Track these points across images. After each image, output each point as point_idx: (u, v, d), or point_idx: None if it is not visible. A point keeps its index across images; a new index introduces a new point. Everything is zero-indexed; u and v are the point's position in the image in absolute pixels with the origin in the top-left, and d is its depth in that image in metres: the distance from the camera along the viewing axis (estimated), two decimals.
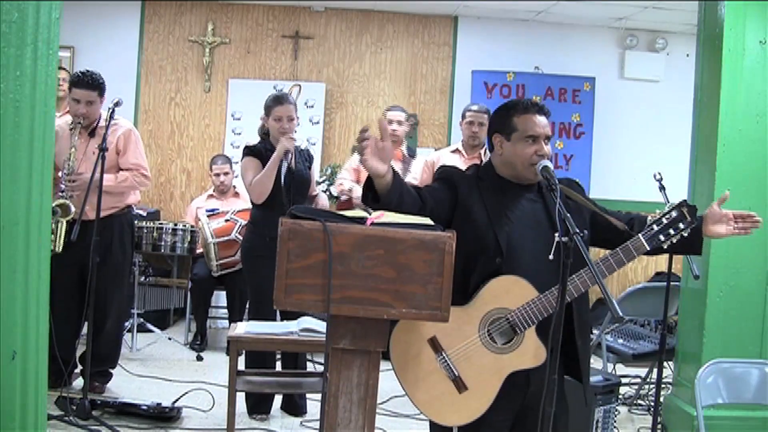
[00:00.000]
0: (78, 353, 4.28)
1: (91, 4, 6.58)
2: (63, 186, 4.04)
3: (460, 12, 6.79)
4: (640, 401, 4.67)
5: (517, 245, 2.34)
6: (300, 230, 2.05)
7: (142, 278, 5.81)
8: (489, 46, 6.87)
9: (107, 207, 4.11)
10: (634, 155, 6.83)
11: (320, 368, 3.97)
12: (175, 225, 5.52)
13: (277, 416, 4.18)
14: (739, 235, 2.46)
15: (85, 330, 3.98)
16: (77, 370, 4.35)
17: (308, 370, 4.27)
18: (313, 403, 4.20)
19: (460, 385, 2.27)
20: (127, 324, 5.10)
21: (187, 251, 5.55)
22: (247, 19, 6.85)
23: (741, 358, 3.46)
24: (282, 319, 3.96)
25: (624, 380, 4.82)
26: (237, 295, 5.56)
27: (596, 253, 2.48)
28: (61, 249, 3.95)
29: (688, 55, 6.73)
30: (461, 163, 4.64)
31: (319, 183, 6.06)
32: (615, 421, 3.79)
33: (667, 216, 2.35)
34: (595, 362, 5.19)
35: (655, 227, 2.34)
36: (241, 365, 3.82)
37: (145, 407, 3.92)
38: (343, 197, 5.24)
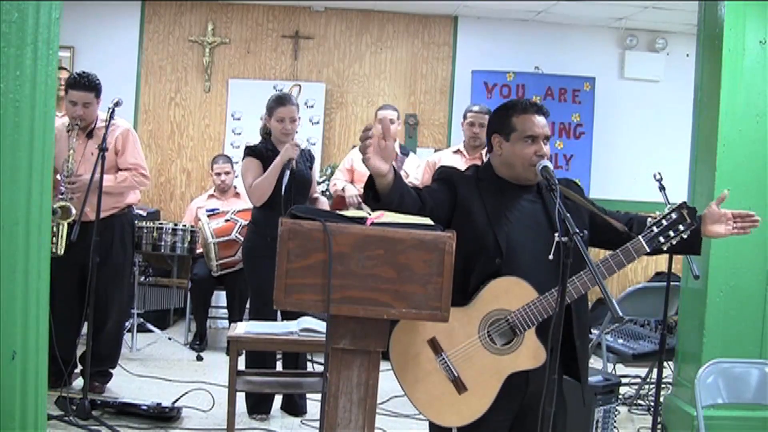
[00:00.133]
0: (78, 353, 4.28)
1: (91, 4, 6.58)
2: (62, 188, 4.03)
3: (460, 12, 6.79)
4: (640, 401, 4.67)
5: (517, 246, 2.34)
6: (300, 230, 2.05)
7: (142, 278, 5.81)
8: (489, 46, 6.87)
9: (107, 207, 4.11)
10: (634, 155, 6.83)
11: (320, 368, 3.97)
12: (175, 225, 5.52)
13: (277, 416, 4.18)
14: (738, 234, 2.46)
15: (85, 330, 3.98)
16: (77, 370, 4.35)
17: (308, 370, 4.27)
18: (313, 403, 4.21)
19: (459, 385, 2.27)
20: (127, 324, 5.10)
21: (187, 251, 5.55)
22: (247, 19, 6.85)
23: (741, 358, 3.46)
24: (282, 319, 3.96)
25: (624, 380, 4.82)
26: (237, 295, 5.56)
27: (595, 254, 2.48)
28: (62, 251, 3.95)
29: (688, 55, 6.72)
30: (463, 163, 4.64)
31: (319, 183, 6.06)
32: (615, 421, 3.79)
33: (666, 218, 2.35)
34: (595, 362, 5.19)
35: (655, 229, 2.34)
36: (241, 365, 3.83)
37: (145, 407, 3.92)
38: (336, 195, 5.28)
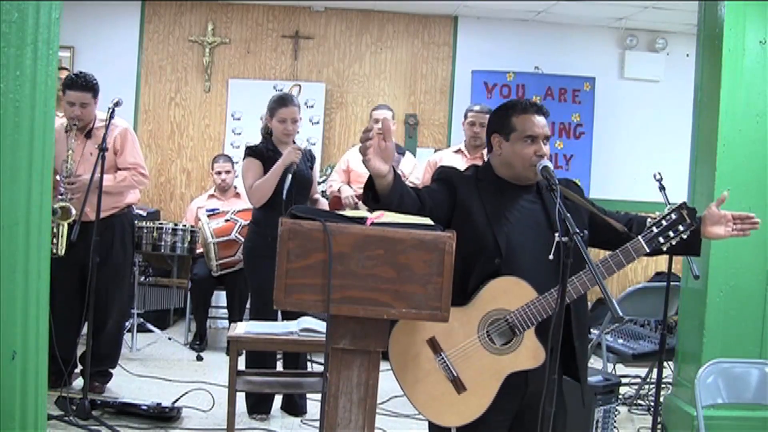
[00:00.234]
0: (78, 353, 4.28)
1: (91, 4, 6.58)
2: (62, 189, 4.03)
3: (460, 12, 6.79)
4: (640, 401, 4.67)
5: (516, 246, 2.34)
6: (300, 230, 2.05)
7: (142, 278, 5.81)
8: (489, 46, 6.87)
9: (107, 207, 4.11)
10: (634, 155, 6.83)
11: (320, 368, 3.97)
12: (175, 225, 5.53)
13: (277, 416, 4.18)
14: (738, 236, 2.46)
15: (85, 330, 3.98)
16: (77, 370, 4.35)
17: (308, 370, 4.27)
18: (313, 403, 4.21)
19: (458, 385, 2.27)
20: (127, 324, 5.10)
21: (187, 251, 5.56)
22: (247, 19, 6.85)
23: (741, 358, 3.46)
24: (283, 319, 3.96)
25: (624, 380, 4.82)
26: (237, 295, 5.56)
27: (595, 254, 2.48)
28: (63, 252, 3.95)
29: (688, 55, 6.72)
30: (464, 163, 4.64)
31: (319, 183, 6.06)
32: (615, 421, 3.79)
33: (666, 218, 2.35)
34: (595, 362, 5.20)
35: (655, 229, 2.34)
36: (241, 365, 3.83)
37: (145, 407, 3.92)
38: (332, 196, 5.28)
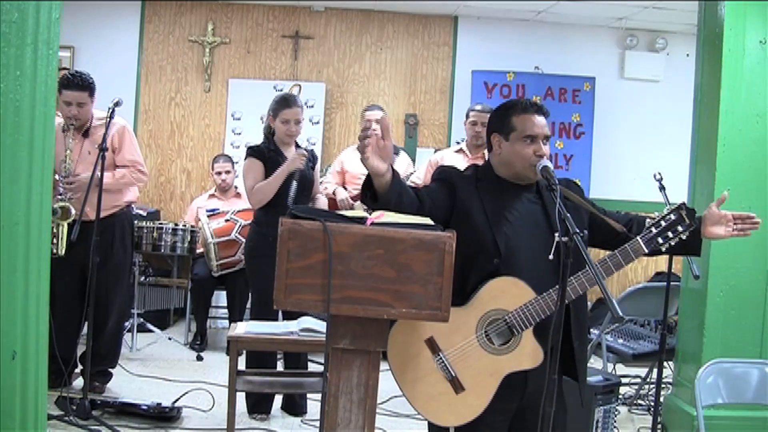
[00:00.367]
0: (78, 353, 4.28)
1: (91, 4, 6.58)
2: (61, 189, 4.02)
3: (460, 12, 6.79)
4: (640, 401, 4.67)
5: (516, 246, 2.33)
6: (300, 230, 2.05)
7: (142, 278, 5.81)
8: (489, 46, 6.87)
9: (107, 206, 4.10)
10: (634, 155, 6.83)
11: (320, 368, 3.98)
12: (175, 225, 5.52)
13: (277, 416, 4.18)
14: (738, 236, 2.46)
15: (85, 330, 3.98)
16: (77, 370, 4.35)
17: (309, 370, 4.27)
18: (313, 403, 4.21)
19: (457, 385, 2.27)
20: (127, 324, 5.10)
21: (187, 251, 5.56)
22: (247, 19, 6.85)
23: (741, 358, 3.46)
24: (283, 319, 3.96)
25: (624, 380, 4.82)
26: (237, 295, 5.57)
27: (595, 254, 2.48)
28: (63, 252, 3.95)
29: (688, 55, 6.72)
30: (465, 163, 4.63)
31: (320, 183, 6.06)
32: (615, 421, 3.79)
33: (665, 219, 2.34)
34: (595, 362, 5.20)
35: (654, 230, 2.34)
36: (241, 365, 3.83)
37: (145, 407, 3.92)
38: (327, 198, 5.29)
